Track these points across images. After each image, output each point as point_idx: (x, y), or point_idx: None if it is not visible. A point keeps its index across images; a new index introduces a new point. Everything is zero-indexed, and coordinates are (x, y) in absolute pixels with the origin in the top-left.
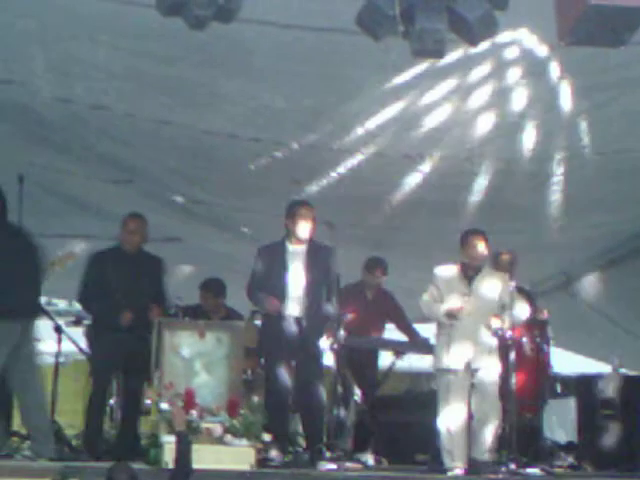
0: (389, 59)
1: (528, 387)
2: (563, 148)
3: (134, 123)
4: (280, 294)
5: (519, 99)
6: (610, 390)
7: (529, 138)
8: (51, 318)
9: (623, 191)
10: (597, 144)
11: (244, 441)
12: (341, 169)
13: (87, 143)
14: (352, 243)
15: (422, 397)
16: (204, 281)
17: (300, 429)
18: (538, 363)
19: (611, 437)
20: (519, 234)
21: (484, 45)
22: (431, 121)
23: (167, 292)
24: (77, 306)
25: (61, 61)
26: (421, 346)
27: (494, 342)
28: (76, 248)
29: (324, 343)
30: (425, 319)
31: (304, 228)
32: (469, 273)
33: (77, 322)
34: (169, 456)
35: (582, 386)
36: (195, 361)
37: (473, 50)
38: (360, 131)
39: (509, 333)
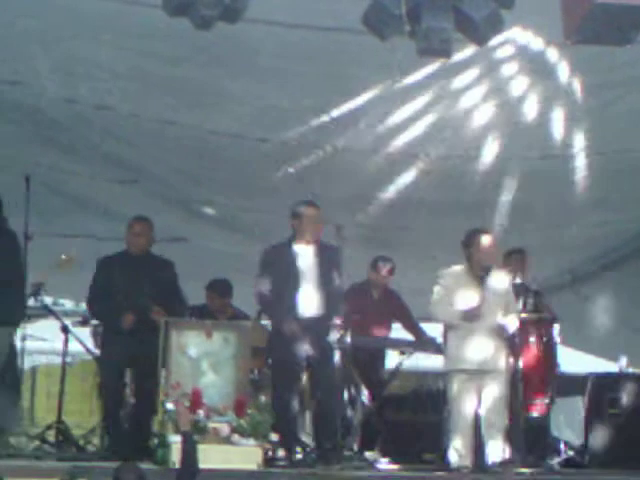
0: (395, 59)
1: (536, 386)
2: (567, 146)
3: (139, 123)
4: (290, 296)
5: (520, 97)
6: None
7: (531, 137)
8: (58, 318)
9: (627, 190)
10: (603, 143)
11: (251, 441)
12: (348, 169)
13: (92, 143)
14: (357, 243)
15: (429, 396)
16: (210, 281)
17: (307, 428)
18: (545, 362)
19: (618, 436)
20: (524, 233)
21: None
22: (433, 120)
23: (181, 295)
24: (84, 306)
25: (65, 61)
26: (428, 345)
27: (504, 342)
28: (75, 249)
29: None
30: (432, 319)
31: (312, 229)
32: (479, 273)
33: (84, 322)
34: (176, 456)
35: (590, 385)
36: (202, 361)
37: (472, 49)
38: (365, 130)
39: (516, 332)
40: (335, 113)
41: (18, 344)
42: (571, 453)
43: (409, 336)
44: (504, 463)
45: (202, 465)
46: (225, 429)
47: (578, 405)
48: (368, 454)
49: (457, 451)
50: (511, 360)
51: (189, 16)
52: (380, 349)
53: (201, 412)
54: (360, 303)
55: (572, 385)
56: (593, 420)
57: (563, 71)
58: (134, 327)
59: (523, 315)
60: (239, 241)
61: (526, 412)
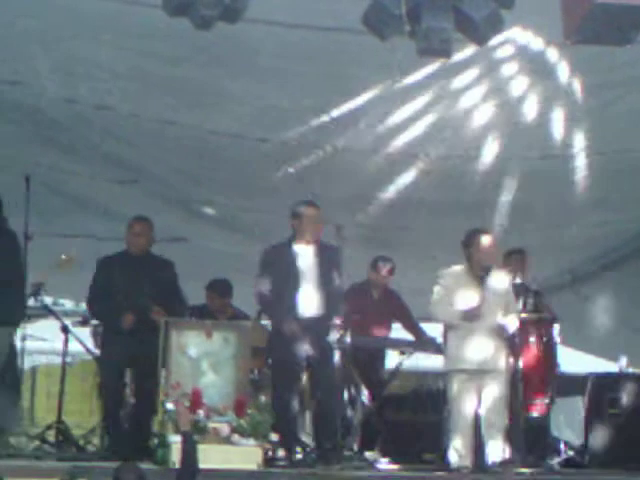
0: (395, 59)
1: (536, 386)
2: (567, 146)
3: (139, 123)
4: (290, 296)
5: (520, 97)
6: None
7: (531, 137)
8: (58, 318)
9: (627, 190)
10: (603, 143)
11: (251, 441)
12: (348, 169)
13: (92, 143)
14: (357, 243)
15: (429, 396)
16: (210, 281)
17: (307, 428)
18: (545, 362)
19: (618, 436)
20: (524, 233)
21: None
22: (433, 120)
23: (181, 295)
24: (84, 306)
25: (65, 61)
26: (428, 345)
27: (504, 342)
28: (75, 249)
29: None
30: (432, 319)
31: (312, 229)
32: (479, 273)
33: (84, 322)
34: (176, 456)
35: (590, 385)
36: (202, 361)
37: (472, 49)
38: (365, 130)
39: (516, 332)
40: (335, 113)
41: (18, 344)
42: (571, 453)
43: (409, 336)
44: (504, 463)
45: (202, 465)
46: (225, 429)
47: (578, 405)
48: (368, 454)
49: (457, 451)
50: (511, 360)
51: (189, 16)
52: (380, 349)
53: (201, 412)
54: (360, 303)
55: (572, 385)
56: (593, 420)
57: (563, 71)
58: (134, 327)
59: (523, 315)
60: (239, 241)
61: (526, 412)
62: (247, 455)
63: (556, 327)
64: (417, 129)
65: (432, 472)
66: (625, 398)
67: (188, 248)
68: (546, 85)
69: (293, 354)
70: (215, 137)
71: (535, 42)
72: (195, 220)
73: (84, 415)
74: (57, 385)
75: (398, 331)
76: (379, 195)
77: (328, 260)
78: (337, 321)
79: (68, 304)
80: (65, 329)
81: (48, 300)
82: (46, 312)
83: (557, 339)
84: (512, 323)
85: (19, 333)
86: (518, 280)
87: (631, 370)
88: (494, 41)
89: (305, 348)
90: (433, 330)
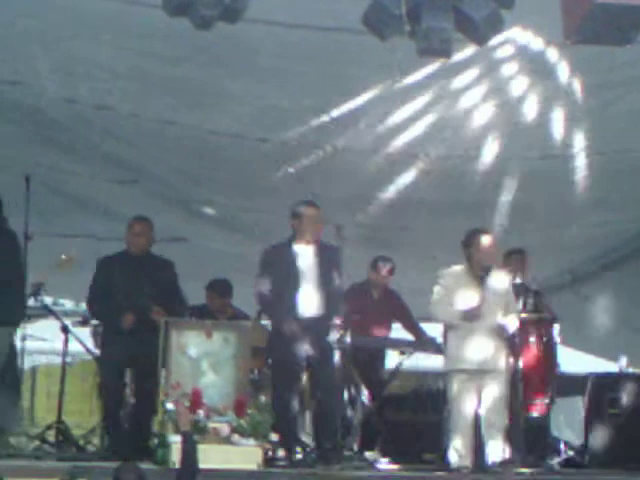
0: (395, 59)
1: (536, 386)
2: (567, 146)
3: (139, 123)
4: (290, 296)
5: (520, 97)
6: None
7: (531, 137)
8: (58, 318)
9: (627, 190)
10: (603, 143)
11: (251, 441)
12: (348, 169)
13: (92, 143)
14: (357, 243)
15: (429, 396)
16: (210, 281)
17: (307, 428)
18: (545, 362)
19: (618, 436)
20: (524, 233)
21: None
22: (433, 120)
23: (181, 295)
24: (84, 306)
25: (65, 61)
26: (428, 345)
27: (504, 342)
28: (75, 249)
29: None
30: (432, 319)
31: (312, 229)
32: (479, 273)
33: (84, 322)
34: (176, 456)
35: (590, 385)
36: (202, 361)
37: (472, 49)
38: (365, 130)
39: (516, 332)
40: (335, 113)
41: (18, 344)
42: (571, 453)
43: (409, 336)
44: (504, 463)
45: (202, 465)
46: (225, 429)
47: (578, 405)
48: (368, 454)
49: (457, 451)
50: (511, 360)
51: (189, 16)
52: (380, 349)
53: (201, 412)
54: (360, 303)
55: (572, 385)
56: (593, 420)
57: (563, 71)
58: (134, 327)
59: (523, 315)
60: (239, 241)
61: (526, 412)
62: (247, 455)
63: (556, 327)
64: (417, 129)
65: (432, 472)
66: (625, 398)
67: (188, 248)
68: (546, 85)
69: (293, 354)
70: (215, 137)
71: (535, 42)
72: (195, 220)
73: (84, 415)
74: (57, 385)
75: (398, 331)
76: (379, 195)
77: (328, 260)
78: (337, 321)
79: (68, 304)
80: (65, 329)
81: (48, 300)
82: (46, 312)
83: (557, 339)
84: (512, 323)
85: (19, 333)
86: (518, 280)
87: (631, 370)
88: (494, 41)
89: (305, 348)
90: (433, 330)
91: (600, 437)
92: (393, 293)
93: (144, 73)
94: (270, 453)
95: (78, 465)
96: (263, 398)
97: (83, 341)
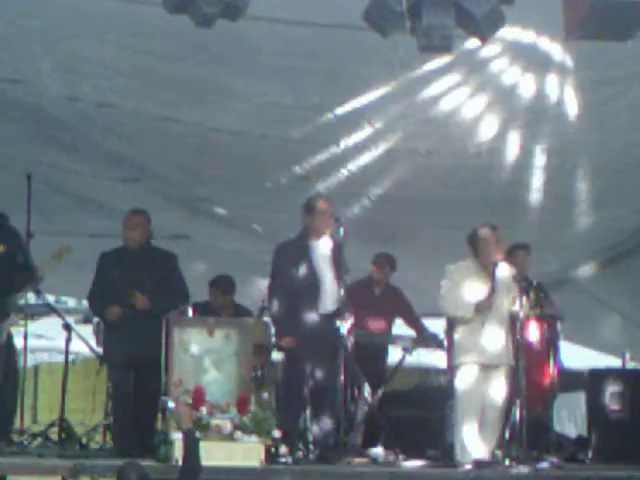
0: (397, 55)
1: (538, 381)
2: (570, 142)
3: (141, 121)
4: (314, 292)
5: (527, 94)
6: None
7: (537, 133)
8: (60, 316)
9: (631, 185)
10: (605, 138)
11: (254, 438)
12: (349, 166)
13: (94, 141)
14: (358, 239)
15: (431, 392)
16: (213, 278)
17: (310, 425)
18: (548, 357)
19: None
20: (526, 229)
21: (489, 41)
22: (436, 116)
23: (181, 286)
24: (86, 304)
25: (67, 60)
26: (430, 341)
27: (513, 334)
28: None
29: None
30: (440, 313)
31: (326, 223)
32: (486, 267)
33: (86, 320)
34: (179, 453)
35: (592, 380)
36: (204, 358)
37: (477, 46)
38: (367, 127)
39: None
40: (337, 110)
41: (20, 342)
42: (573, 448)
43: (411, 332)
44: (503, 459)
45: (205, 462)
46: (228, 426)
47: (580, 400)
48: (371, 450)
49: (464, 445)
50: (515, 355)
51: (190, 14)
52: (382, 345)
53: (204, 409)
54: (362, 299)
55: (574, 380)
56: (595, 415)
57: (563, 67)
58: (136, 323)
59: (526, 310)
60: (241, 238)
61: (529, 407)
62: (249, 452)
63: (559, 322)
64: (420, 125)
65: (436, 468)
66: (627, 393)
67: (190, 246)
68: (550, 81)
69: (310, 328)
70: (217, 134)
71: (537, 38)
72: (197, 218)
73: (87, 413)
74: (59, 383)
75: (400, 327)
76: (380, 191)
77: (336, 253)
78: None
79: (70, 302)
80: (67, 327)
81: (50, 298)
82: (48, 310)
83: (560, 334)
84: (521, 308)
85: (21, 331)
86: (521, 275)
87: (634, 365)
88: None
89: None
90: (435, 326)
91: (602, 432)
92: (395, 289)
93: (146, 71)
94: (273, 450)
95: (81, 462)
96: (265, 395)
97: (85, 339)
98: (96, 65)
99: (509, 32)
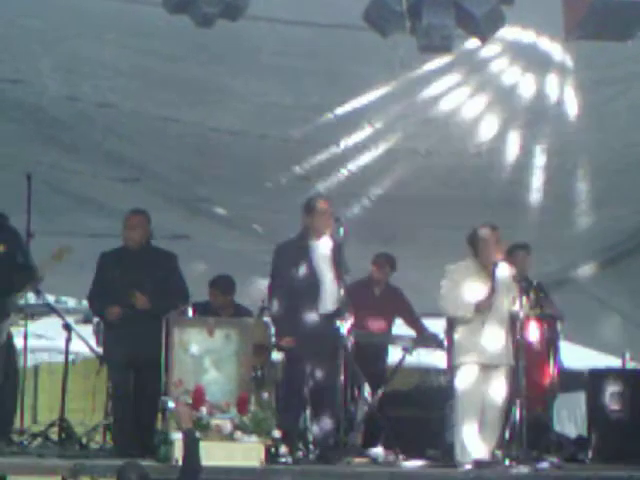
0: (397, 55)
1: (538, 381)
2: (570, 142)
3: (141, 121)
4: (314, 292)
5: (527, 94)
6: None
7: (537, 133)
8: (60, 316)
9: (631, 185)
10: (605, 138)
11: (254, 438)
12: (349, 166)
13: (94, 141)
14: (358, 239)
15: (431, 392)
16: (213, 278)
17: (310, 425)
18: (548, 357)
19: (620, 431)
20: (526, 229)
21: (489, 41)
22: (436, 116)
23: (181, 286)
24: (86, 304)
25: (68, 60)
26: (430, 341)
27: (513, 334)
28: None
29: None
30: (441, 313)
31: (326, 223)
32: (487, 267)
33: (86, 320)
34: (179, 453)
35: (592, 380)
36: (204, 358)
37: (477, 46)
38: (367, 127)
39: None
40: (337, 110)
41: (20, 342)
42: (573, 448)
43: (411, 332)
44: (502, 459)
45: (205, 462)
46: (228, 426)
47: (580, 400)
48: (371, 450)
49: (464, 445)
50: (515, 355)
51: (190, 14)
52: (382, 345)
53: (204, 409)
54: (362, 299)
55: (574, 380)
56: (595, 415)
57: (563, 67)
58: (136, 323)
59: (526, 310)
60: (241, 238)
61: (529, 407)
62: (250, 452)
63: (559, 322)
64: (420, 124)
65: (436, 468)
66: (627, 393)
67: (190, 246)
68: (550, 81)
69: (310, 328)
70: (216, 134)
71: (537, 39)
72: (197, 218)
73: (87, 413)
74: (59, 383)
75: (400, 327)
76: (380, 191)
77: (336, 253)
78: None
79: (70, 302)
80: (67, 327)
81: (50, 298)
82: (48, 310)
83: (560, 334)
84: (521, 308)
85: (21, 331)
86: (521, 275)
87: (634, 365)
88: (499, 37)
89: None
90: (435, 326)
91: (602, 432)
92: (395, 289)
93: (146, 71)
94: (273, 450)
95: (81, 463)
96: (265, 395)
97: (85, 339)
98: (96, 65)
99: (509, 32)
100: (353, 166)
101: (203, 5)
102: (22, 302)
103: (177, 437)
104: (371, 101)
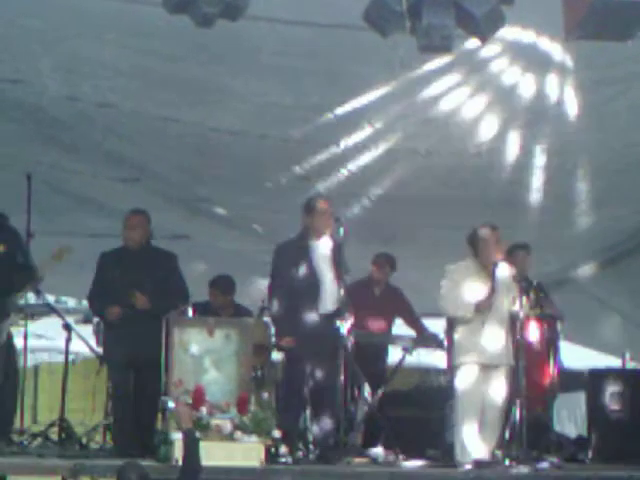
0: (397, 55)
1: (538, 381)
2: (570, 142)
3: (141, 121)
4: (314, 292)
5: (527, 94)
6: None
7: (537, 133)
8: (60, 316)
9: (631, 185)
10: (605, 138)
11: (254, 438)
12: (349, 166)
13: (94, 141)
14: (358, 239)
15: (431, 392)
16: (213, 278)
17: (310, 425)
18: (548, 357)
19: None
20: (525, 229)
21: (489, 41)
22: (436, 115)
23: (181, 286)
24: (86, 304)
25: (68, 60)
26: (430, 341)
27: (513, 334)
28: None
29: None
30: (440, 313)
31: (326, 224)
32: (487, 267)
33: (86, 320)
34: (179, 453)
35: (592, 380)
36: (204, 358)
37: (477, 46)
38: (367, 127)
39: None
40: (337, 110)
41: (20, 342)
42: (573, 448)
43: (411, 332)
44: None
45: (205, 462)
46: (228, 426)
47: (580, 400)
48: (371, 450)
49: (464, 445)
50: (515, 355)
51: (190, 14)
52: (382, 345)
53: (204, 409)
54: (362, 299)
55: (574, 380)
56: (595, 415)
57: (564, 67)
58: (136, 323)
59: (526, 310)
60: (241, 238)
61: (529, 407)
62: (250, 452)
63: (559, 322)
64: (420, 124)
65: (436, 468)
66: (627, 393)
67: (190, 246)
68: (550, 81)
69: (310, 328)
70: (216, 134)
71: (537, 39)
72: (197, 218)
73: (87, 413)
74: (59, 383)
75: (400, 327)
76: (379, 191)
77: (336, 254)
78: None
79: (70, 302)
80: (67, 327)
81: (50, 298)
82: (48, 310)
83: (560, 334)
84: (521, 308)
85: (21, 331)
86: (521, 275)
87: (634, 365)
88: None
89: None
90: (435, 326)
91: (602, 432)
92: (395, 289)
93: (146, 71)
94: (273, 450)
95: (81, 463)
96: (265, 395)
97: (85, 339)
98: (96, 65)
99: (509, 32)
100: (353, 166)
101: (203, 5)
102: (22, 302)
103: (177, 437)
104: (371, 101)
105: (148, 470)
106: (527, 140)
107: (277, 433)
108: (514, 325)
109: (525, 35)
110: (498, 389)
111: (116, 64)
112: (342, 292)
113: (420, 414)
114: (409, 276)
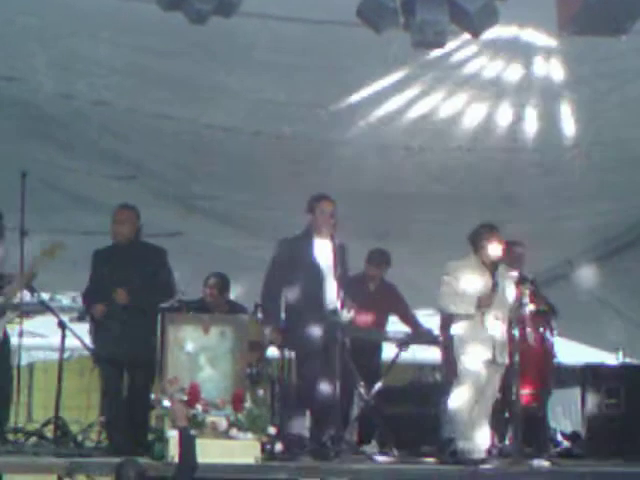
0: (390, 51)
1: (533, 377)
2: (564, 137)
3: (136, 118)
4: (317, 290)
5: (519, 89)
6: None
7: (529, 128)
8: (55, 314)
9: (625, 180)
10: (598, 133)
11: (249, 435)
12: (343, 162)
13: (89, 139)
14: (353, 235)
15: (426, 389)
16: (208, 276)
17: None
18: (542, 353)
19: (615, 427)
20: (523, 223)
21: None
22: (431, 112)
23: (168, 281)
24: (80, 302)
25: (62, 57)
26: (425, 337)
27: (507, 334)
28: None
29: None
30: (441, 310)
31: (329, 223)
32: (488, 264)
33: (81, 318)
34: (174, 450)
35: (587, 376)
36: (199, 355)
37: (470, 41)
38: (361, 124)
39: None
40: (331, 106)
41: (15, 340)
42: (569, 444)
43: (406, 328)
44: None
45: (200, 459)
46: (223, 423)
47: (575, 396)
48: (366, 447)
49: (461, 442)
50: (511, 351)
51: (183, 10)
52: (376, 341)
53: (199, 406)
54: (356, 295)
55: (570, 376)
56: (591, 411)
57: (556, 62)
58: (125, 320)
59: (523, 307)
60: (236, 235)
61: (524, 403)
62: (245, 449)
63: (554, 318)
64: (414, 121)
65: (430, 464)
66: (622, 389)
67: (185, 243)
68: (542, 76)
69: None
70: (210, 131)
71: (531, 34)
72: (193, 215)
73: (82, 411)
74: (54, 381)
75: (395, 323)
76: (375, 188)
77: (341, 255)
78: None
79: (65, 300)
80: (62, 325)
81: (45, 296)
82: (43, 308)
83: (555, 330)
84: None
85: (16, 329)
86: (517, 271)
87: (628, 360)
88: (492, 33)
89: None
90: (429, 322)
91: (598, 428)
92: (390, 286)
93: (140, 68)
94: (268, 447)
95: (76, 461)
96: (261, 392)
97: (80, 337)
98: (91, 63)
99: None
100: (348, 162)
101: (196, 2)
102: (17, 300)
103: (172, 435)
104: (365, 97)
105: (145, 469)
106: (521, 135)
107: (272, 430)
108: (511, 321)
109: (512, 29)
110: (495, 385)
111: (111, 62)
112: (342, 291)
113: (415, 410)
114: (403, 272)
